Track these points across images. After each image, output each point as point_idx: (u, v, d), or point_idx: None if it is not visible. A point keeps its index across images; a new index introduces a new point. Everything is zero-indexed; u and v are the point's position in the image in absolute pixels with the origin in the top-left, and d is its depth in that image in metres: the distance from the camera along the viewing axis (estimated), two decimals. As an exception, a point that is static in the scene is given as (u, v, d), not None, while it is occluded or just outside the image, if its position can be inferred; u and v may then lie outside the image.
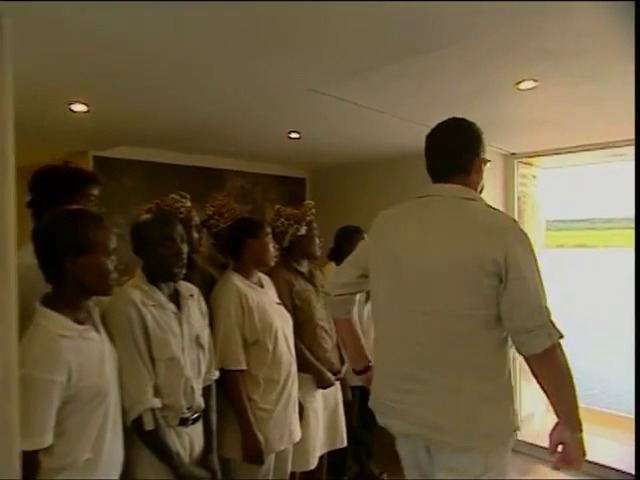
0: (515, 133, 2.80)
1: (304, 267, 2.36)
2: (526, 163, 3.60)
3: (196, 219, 1.92)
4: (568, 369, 1.28)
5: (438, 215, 1.37)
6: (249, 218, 2.12)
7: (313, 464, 2.19)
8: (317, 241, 2.38)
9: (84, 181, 1.68)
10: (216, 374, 1.73)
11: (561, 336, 1.25)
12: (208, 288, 1.88)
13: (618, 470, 2.89)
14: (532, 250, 1.29)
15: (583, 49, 1.57)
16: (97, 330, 1.30)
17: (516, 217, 3.46)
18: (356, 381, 2.56)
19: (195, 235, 1.89)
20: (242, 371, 1.82)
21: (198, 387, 1.58)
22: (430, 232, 1.35)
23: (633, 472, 2.58)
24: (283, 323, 1.97)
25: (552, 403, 1.31)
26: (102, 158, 3.12)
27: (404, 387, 1.35)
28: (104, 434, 1.25)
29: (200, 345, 1.63)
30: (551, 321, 1.25)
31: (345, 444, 2.39)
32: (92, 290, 1.28)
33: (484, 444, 1.28)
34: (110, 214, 2.91)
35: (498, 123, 2.52)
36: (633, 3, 1.22)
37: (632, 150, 2.91)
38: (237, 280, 1.90)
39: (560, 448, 1.30)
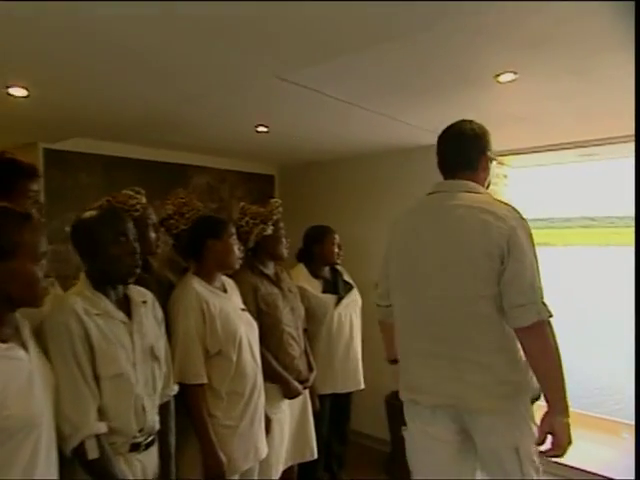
0: (490, 130, 2.72)
1: (270, 269, 2.21)
2: (498, 162, 3.56)
3: (153, 217, 1.74)
4: (557, 348, 1.39)
5: (449, 209, 1.52)
6: (212, 217, 1.95)
7: (276, 478, 2.05)
8: (284, 241, 2.24)
9: (21, 174, 1.50)
10: (175, 389, 1.57)
11: (550, 315, 1.38)
12: (166, 294, 1.71)
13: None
14: (530, 236, 1.45)
15: (565, 40, 1.49)
16: (25, 348, 1.12)
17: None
18: (325, 389, 2.46)
19: (152, 235, 1.72)
20: (203, 385, 1.66)
21: (152, 406, 1.41)
22: (443, 226, 1.51)
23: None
24: (248, 331, 1.82)
25: (542, 386, 1.42)
26: (54, 151, 2.85)
27: (432, 364, 1.50)
28: (35, 464, 1.08)
29: (155, 357, 1.46)
30: (542, 300, 1.39)
31: (315, 456, 2.27)
32: (18, 301, 1.10)
33: (509, 407, 1.44)
34: (63, 212, 2.67)
35: (474, 118, 2.44)
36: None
37: (604, 149, 2.90)
38: (198, 285, 1.73)
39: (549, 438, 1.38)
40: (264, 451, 1.85)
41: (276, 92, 1.96)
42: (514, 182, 3.90)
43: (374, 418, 3.13)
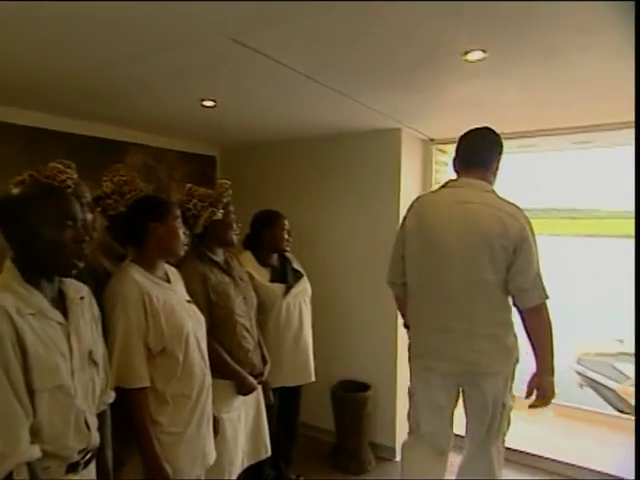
0: (438, 116, 2.69)
1: (219, 256, 2.02)
2: (440, 150, 3.58)
3: (87, 195, 1.47)
4: (550, 324, 1.78)
5: (467, 204, 1.80)
6: (154, 197, 1.71)
7: (233, 484, 1.90)
8: (234, 227, 2.06)
9: None
10: (112, 396, 1.36)
11: (547, 297, 1.76)
12: (100, 285, 1.47)
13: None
14: (533, 231, 1.77)
15: (536, 24, 1.43)
16: None
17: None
18: (275, 383, 2.32)
19: (88, 216, 1.45)
20: (145, 389, 1.46)
21: (93, 420, 1.20)
22: (463, 219, 1.78)
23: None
24: (195, 325, 1.63)
25: (535, 354, 1.79)
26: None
27: (449, 338, 1.81)
28: None
29: (94, 363, 1.24)
30: (542, 285, 1.75)
31: (269, 453, 2.15)
32: None
33: (506, 369, 1.83)
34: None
35: (424, 104, 2.38)
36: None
37: (548, 140, 2.99)
38: (138, 274, 1.51)
39: (535, 392, 1.81)
40: (212, 456, 1.68)
41: (228, 59, 1.74)
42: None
43: (319, 409, 3.06)
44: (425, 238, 1.86)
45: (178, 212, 1.64)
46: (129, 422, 1.44)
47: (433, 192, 2.02)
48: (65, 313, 1.16)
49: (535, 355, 1.79)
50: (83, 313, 1.22)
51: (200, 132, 3.19)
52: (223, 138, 3.44)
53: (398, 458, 3.05)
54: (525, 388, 1.85)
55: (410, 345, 1.99)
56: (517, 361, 1.86)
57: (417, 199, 2.01)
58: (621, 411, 4.28)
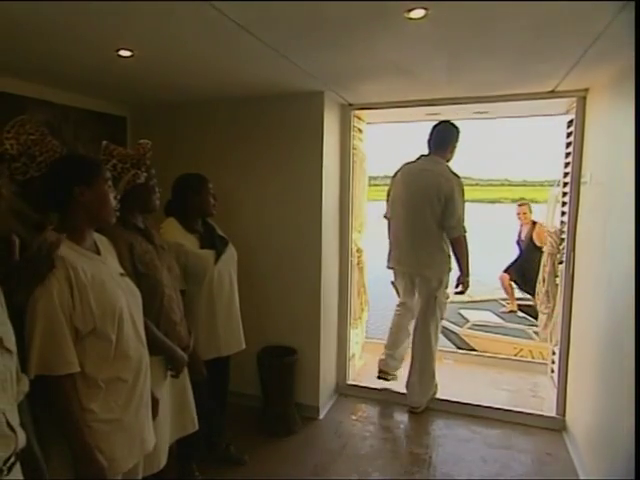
0: (361, 80, 2.67)
1: (141, 223, 1.83)
2: (357, 117, 3.59)
3: None
4: (467, 247, 3.09)
5: (423, 172, 3.14)
6: (79, 157, 1.46)
7: (164, 461, 1.80)
8: (157, 191, 1.88)
9: None
10: (27, 385, 1.16)
11: (465, 232, 3.06)
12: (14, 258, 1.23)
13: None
14: (461, 187, 3.09)
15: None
16: None
17: (350, 170, 3.47)
18: (209, 354, 2.23)
19: None
20: (73, 374, 1.29)
21: (15, 417, 1.02)
22: (420, 183, 3.11)
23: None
24: (130, 301, 1.46)
25: (458, 265, 3.10)
26: None
27: (409, 253, 3.18)
28: None
29: (7, 350, 1.05)
30: (463, 225, 3.06)
31: (197, 427, 2.06)
32: None
33: (438, 275, 3.13)
34: None
35: (353, 65, 2.33)
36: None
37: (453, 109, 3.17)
38: (62, 245, 1.30)
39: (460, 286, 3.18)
40: (151, 442, 1.55)
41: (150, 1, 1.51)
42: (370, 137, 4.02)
43: (244, 376, 3.02)
44: (402, 190, 3.20)
45: (108, 174, 1.43)
46: (56, 412, 1.27)
47: (412, 161, 3.24)
48: None
49: (458, 265, 3.11)
50: None
51: (111, 88, 2.81)
52: (136, 96, 3.08)
53: (322, 416, 3.17)
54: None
55: (389, 254, 3.35)
56: (449, 270, 3.14)
57: (403, 165, 3.28)
58: (461, 348, 5.24)
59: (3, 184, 1.06)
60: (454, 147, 3.15)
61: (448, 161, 3.15)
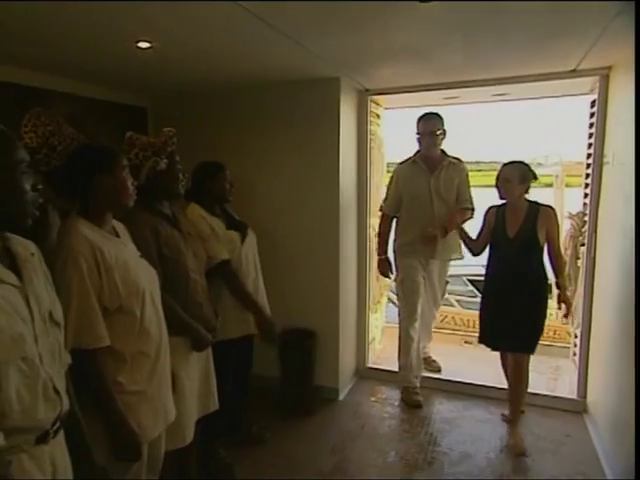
0: (377, 65, 2.67)
1: (167, 209, 1.91)
2: (374, 102, 3.59)
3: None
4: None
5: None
6: (97, 146, 1.53)
7: (190, 438, 1.89)
8: (181, 177, 1.95)
9: None
10: (68, 358, 1.26)
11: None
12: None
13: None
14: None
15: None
16: None
17: (368, 156, 3.49)
18: (238, 332, 2.33)
19: None
20: (104, 348, 1.38)
21: (62, 383, 1.10)
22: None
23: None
24: (149, 281, 1.55)
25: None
26: None
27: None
28: None
29: (56, 323, 1.12)
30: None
31: (217, 406, 2.14)
32: None
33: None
34: None
35: (368, 49, 2.33)
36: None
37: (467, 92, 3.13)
38: (87, 229, 1.38)
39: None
40: (173, 413, 1.66)
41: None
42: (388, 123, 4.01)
43: (264, 357, 3.10)
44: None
45: (125, 161, 1.50)
46: (90, 384, 1.36)
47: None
48: (17, 274, 1.03)
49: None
50: (36, 271, 1.09)
51: (131, 80, 2.89)
52: (155, 88, 3.16)
53: (342, 397, 3.24)
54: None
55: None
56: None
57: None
58: None
59: (37, 181, 1.14)
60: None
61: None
